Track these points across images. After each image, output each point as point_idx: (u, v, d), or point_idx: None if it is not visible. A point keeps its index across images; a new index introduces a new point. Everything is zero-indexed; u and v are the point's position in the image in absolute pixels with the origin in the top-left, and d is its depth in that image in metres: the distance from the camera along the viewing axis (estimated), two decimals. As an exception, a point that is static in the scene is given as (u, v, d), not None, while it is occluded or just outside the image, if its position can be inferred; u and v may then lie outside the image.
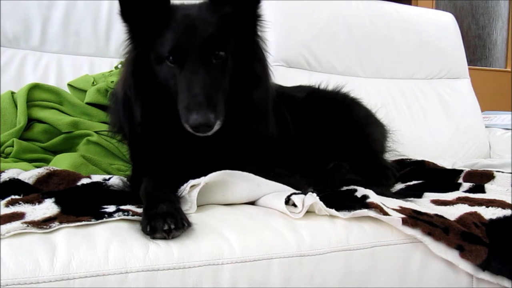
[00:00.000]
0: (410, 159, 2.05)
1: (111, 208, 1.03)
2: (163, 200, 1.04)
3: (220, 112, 1.13)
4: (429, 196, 1.42)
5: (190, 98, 1.11)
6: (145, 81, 1.23)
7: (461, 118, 2.84)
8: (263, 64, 1.32)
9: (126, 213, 1.01)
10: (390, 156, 1.92)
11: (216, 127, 1.11)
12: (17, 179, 1.18)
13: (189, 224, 1.00)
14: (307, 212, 1.12)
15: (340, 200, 1.21)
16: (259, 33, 1.32)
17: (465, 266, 1.13)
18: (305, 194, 1.15)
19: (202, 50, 1.16)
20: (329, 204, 1.14)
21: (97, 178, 1.28)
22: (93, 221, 0.97)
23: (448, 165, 2.06)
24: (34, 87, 1.73)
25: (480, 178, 1.61)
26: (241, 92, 1.26)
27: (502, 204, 1.26)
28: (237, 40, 1.23)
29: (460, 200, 1.33)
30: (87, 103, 1.77)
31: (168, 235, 0.95)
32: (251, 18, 1.29)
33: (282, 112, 1.47)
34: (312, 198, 1.12)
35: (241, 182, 1.18)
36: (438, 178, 1.72)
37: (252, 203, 1.23)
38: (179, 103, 1.15)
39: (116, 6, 2.10)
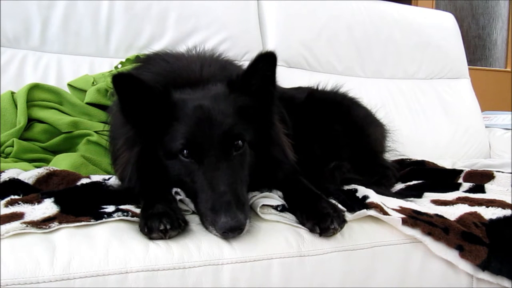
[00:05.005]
0: (410, 159, 2.05)
1: (110, 208, 1.03)
2: (159, 200, 1.04)
3: (248, 210, 1.04)
4: (429, 196, 1.42)
5: (216, 198, 1.00)
6: (152, 175, 1.12)
7: (461, 118, 2.84)
8: (282, 148, 1.23)
9: (125, 213, 1.01)
10: (390, 156, 1.92)
11: (246, 228, 1.01)
12: (17, 179, 1.18)
13: (186, 224, 1.01)
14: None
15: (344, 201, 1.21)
16: (274, 121, 1.24)
17: (465, 266, 1.13)
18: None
19: (222, 143, 1.06)
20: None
21: (96, 178, 1.28)
22: (92, 222, 0.97)
23: (448, 165, 2.06)
24: (34, 87, 1.73)
25: (480, 178, 1.61)
26: (264, 173, 1.18)
27: (502, 204, 1.26)
28: (254, 128, 1.14)
29: (460, 200, 1.33)
30: (87, 103, 1.77)
31: (164, 235, 0.96)
32: (267, 106, 1.19)
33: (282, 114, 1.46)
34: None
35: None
36: (438, 178, 1.72)
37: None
38: (200, 202, 1.04)
39: (116, 5, 2.14)
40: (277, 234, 1.06)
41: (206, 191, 1.03)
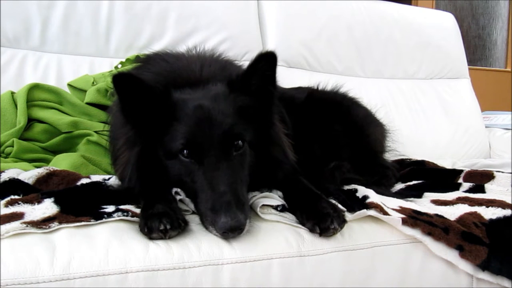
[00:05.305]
0: (410, 159, 2.05)
1: (110, 208, 1.03)
2: (159, 200, 1.04)
3: (248, 210, 1.04)
4: (429, 196, 1.42)
5: (216, 198, 0.99)
6: (152, 175, 1.12)
7: (461, 118, 2.84)
8: (282, 148, 1.24)
9: (125, 213, 1.01)
10: (390, 156, 1.92)
11: (246, 228, 1.00)
12: (17, 179, 1.17)
13: (186, 224, 1.01)
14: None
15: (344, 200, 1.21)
16: (274, 121, 1.24)
17: (465, 266, 1.13)
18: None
19: (222, 143, 1.06)
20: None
21: (96, 178, 1.28)
22: (92, 222, 0.97)
23: (448, 165, 2.06)
24: (34, 87, 1.73)
25: (480, 178, 1.61)
26: (264, 173, 1.18)
27: (502, 204, 1.26)
28: (254, 128, 1.14)
29: (460, 200, 1.33)
30: (87, 103, 1.77)
31: (164, 235, 0.96)
32: (267, 106, 1.19)
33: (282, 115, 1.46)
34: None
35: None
36: (438, 178, 1.72)
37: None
38: (200, 202, 1.04)
39: (116, 5, 2.14)
40: (277, 234, 1.06)
41: (206, 191, 1.03)
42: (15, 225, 0.90)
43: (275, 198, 1.16)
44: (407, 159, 2.05)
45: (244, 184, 1.10)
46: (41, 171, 1.23)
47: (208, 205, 1.01)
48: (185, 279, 0.93)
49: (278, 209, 1.12)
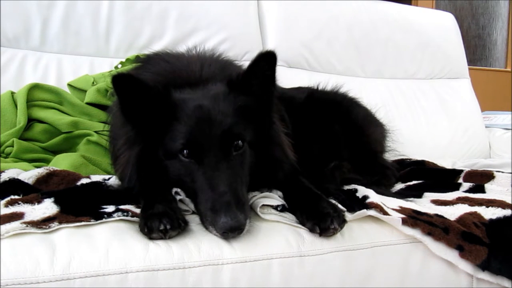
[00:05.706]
0: (410, 159, 2.05)
1: (110, 208, 1.03)
2: (159, 200, 1.04)
3: (248, 210, 1.04)
4: (429, 196, 1.42)
5: (216, 198, 1.00)
6: (152, 175, 1.12)
7: (461, 118, 2.84)
8: (282, 147, 1.23)
9: (125, 213, 1.01)
10: (390, 156, 1.92)
11: (246, 228, 1.01)
12: (17, 179, 1.18)
13: (186, 224, 1.01)
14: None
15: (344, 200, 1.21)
16: (274, 120, 1.23)
17: (465, 266, 1.13)
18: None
19: (222, 143, 1.06)
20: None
21: (96, 178, 1.28)
22: (92, 222, 0.97)
23: (448, 165, 2.06)
24: (34, 87, 1.73)
25: (480, 178, 1.61)
26: (264, 173, 1.18)
27: (502, 204, 1.26)
28: (254, 127, 1.14)
29: (460, 200, 1.33)
30: (87, 103, 1.77)
31: (164, 235, 0.96)
32: (267, 106, 1.19)
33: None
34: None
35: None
36: (438, 178, 1.72)
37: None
38: (200, 202, 1.04)
39: (116, 5, 2.14)
40: (277, 234, 1.06)
41: (206, 191, 1.03)
42: (15, 225, 0.90)
43: (275, 198, 1.16)
44: (407, 159, 2.05)
45: (244, 184, 1.10)
46: (41, 171, 1.23)
47: (208, 205, 1.01)
48: (185, 279, 0.93)
49: (278, 209, 1.12)
